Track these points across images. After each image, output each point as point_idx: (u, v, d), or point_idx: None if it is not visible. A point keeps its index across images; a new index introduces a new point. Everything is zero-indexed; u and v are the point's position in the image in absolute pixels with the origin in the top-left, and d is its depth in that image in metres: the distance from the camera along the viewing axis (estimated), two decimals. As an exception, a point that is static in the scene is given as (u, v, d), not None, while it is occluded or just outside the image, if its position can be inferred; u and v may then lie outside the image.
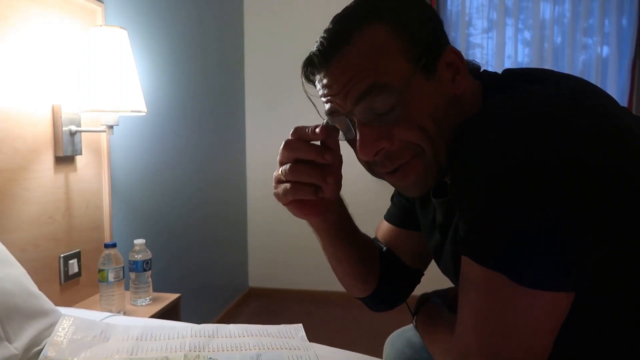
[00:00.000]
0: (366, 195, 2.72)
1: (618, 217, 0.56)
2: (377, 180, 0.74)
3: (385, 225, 0.95)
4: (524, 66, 2.95)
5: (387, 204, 0.96)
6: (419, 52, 0.65)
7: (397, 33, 0.64)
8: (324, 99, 0.67)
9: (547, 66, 2.90)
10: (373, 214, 3.09)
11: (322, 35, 0.66)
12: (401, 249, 0.91)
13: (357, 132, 0.65)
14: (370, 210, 2.79)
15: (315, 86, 0.69)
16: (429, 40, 0.66)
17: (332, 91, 0.65)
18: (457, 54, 0.68)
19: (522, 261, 0.55)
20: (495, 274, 0.56)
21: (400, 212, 0.93)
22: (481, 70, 0.75)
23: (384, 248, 0.92)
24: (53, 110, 1.46)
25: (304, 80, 0.69)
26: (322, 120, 0.69)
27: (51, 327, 1.04)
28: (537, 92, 0.63)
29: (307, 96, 0.70)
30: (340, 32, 0.64)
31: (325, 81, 0.66)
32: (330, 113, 0.67)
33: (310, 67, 0.67)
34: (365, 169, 0.71)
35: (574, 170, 0.54)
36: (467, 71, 0.69)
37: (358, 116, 0.64)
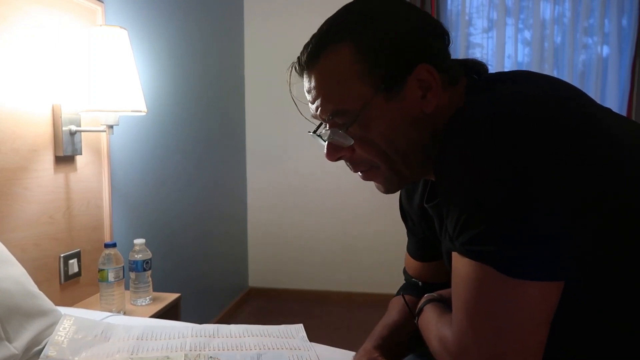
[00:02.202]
0: (366, 193, 2.72)
1: (607, 208, 0.57)
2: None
3: (412, 261, 0.97)
4: (524, 66, 2.95)
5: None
6: (382, 73, 0.68)
7: (360, 55, 0.68)
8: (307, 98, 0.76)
9: (547, 66, 2.90)
10: (373, 214, 3.07)
11: (304, 46, 0.73)
12: (435, 276, 0.92)
13: (326, 140, 0.74)
14: (370, 210, 2.79)
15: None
16: (397, 59, 0.68)
17: (309, 97, 0.74)
18: (431, 71, 0.69)
19: (509, 253, 0.56)
20: (484, 267, 0.57)
21: (418, 246, 0.94)
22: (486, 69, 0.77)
23: (420, 283, 0.94)
24: (53, 110, 1.46)
25: (290, 78, 0.76)
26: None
27: (51, 326, 1.04)
28: (514, 90, 0.65)
29: (292, 97, 0.78)
30: (315, 47, 0.71)
31: (305, 86, 0.75)
32: (312, 115, 0.77)
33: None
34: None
35: (559, 163, 0.56)
36: (441, 89, 0.69)
37: (328, 128, 0.74)
